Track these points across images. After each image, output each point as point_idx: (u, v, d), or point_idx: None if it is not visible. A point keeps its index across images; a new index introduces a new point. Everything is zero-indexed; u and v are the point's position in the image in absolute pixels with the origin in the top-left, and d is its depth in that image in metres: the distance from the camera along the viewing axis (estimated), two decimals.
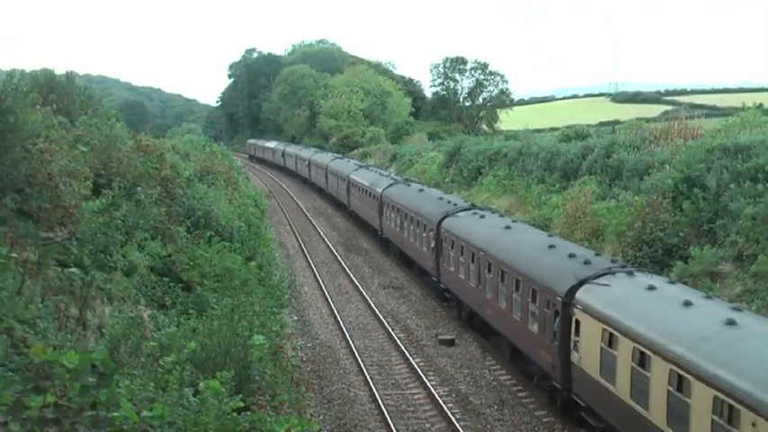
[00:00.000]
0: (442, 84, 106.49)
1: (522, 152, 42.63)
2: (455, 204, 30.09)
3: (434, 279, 29.21)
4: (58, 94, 23.75)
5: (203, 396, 7.35)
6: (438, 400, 19.87)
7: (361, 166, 51.78)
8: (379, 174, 45.65)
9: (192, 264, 18.01)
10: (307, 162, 73.63)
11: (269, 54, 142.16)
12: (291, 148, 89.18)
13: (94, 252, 14.12)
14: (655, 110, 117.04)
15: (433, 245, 28.72)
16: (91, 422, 4.06)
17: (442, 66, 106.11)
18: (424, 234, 30.16)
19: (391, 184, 39.43)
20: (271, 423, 7.15)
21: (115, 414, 4.20)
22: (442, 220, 28.16)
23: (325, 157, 66.37)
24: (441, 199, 32.03)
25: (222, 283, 18.49)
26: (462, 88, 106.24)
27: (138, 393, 7.07)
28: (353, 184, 47.94)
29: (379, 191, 39.44)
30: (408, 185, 38.40)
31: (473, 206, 30.13)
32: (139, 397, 6.93)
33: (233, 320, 13.15)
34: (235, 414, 7.46)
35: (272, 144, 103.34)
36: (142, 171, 20.48)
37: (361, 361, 23.19)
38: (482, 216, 26.92)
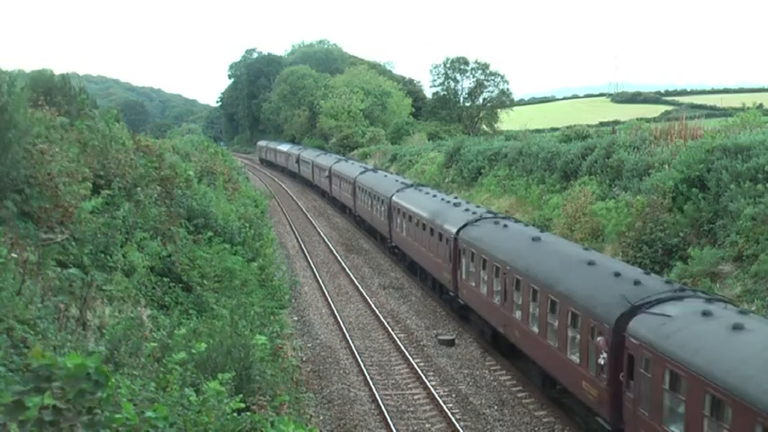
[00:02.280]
0: (443, 84, 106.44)
1: (522, 152, 42.64)
2: (637, 283, 15.82)
3: (603, 420, 15.83)
4: (56, 94, 23.75)
5: (204, 396, 7.35)
6: (438, 401, 19.88)
7: (407, 186, 38.39)
8: (443, 200, 31.51)
9: (191, 264, 18.00)
10: (327, 172, 59.79)
11: (269, 54, 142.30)
12: (308, 153, 75.26)
13: (94, 252, 14.12)
14: (655, 110, 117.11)
15: (603, 360, 15.41)
16: (87, 424, 4.06)
17: (442, 66, 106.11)
18: (579, 335, 16.75)
19: (472, 222, 26.01)
20: (276, 424, 7.15)
21: (117, 416, 4.21)
22: (626, 317, 14.81)
23: (351, 169, 52.04)
24: (592, 264, 17.99)
25: (222, 283, 18.48)
26: (463, 88, 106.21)
27: (139, 394, 7.07)
28: (400, 211, 35.40)
29: (453, 230, 26.45)
30: (505, 226, 24.36)
31: (681, 288, 15.95)
32: (140, 397, 6.93)
33: (234, 321, 13.15)
34: (235, 414, 7.46)
35: (284, 147, 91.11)
36: (142, 172, 20.48)
37: (362, 361, 23.21)
38: (706, 313, 13.46)
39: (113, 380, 4.43)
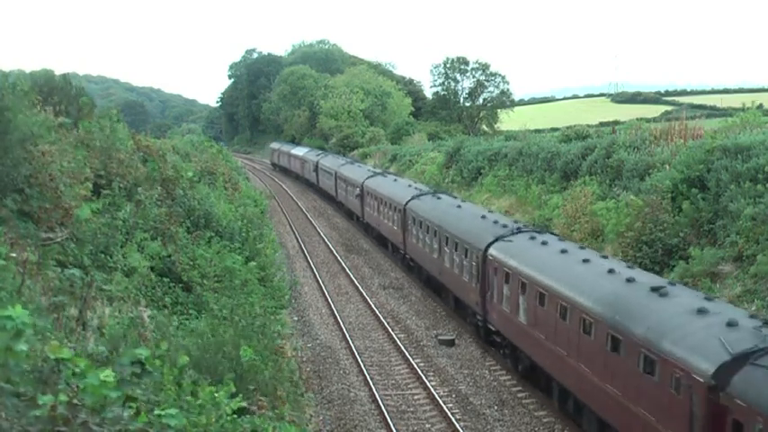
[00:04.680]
0: (443, 84, 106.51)
1: (522, 152, 42.65)
2: None
3: None
4: (57, 95, 23.75)
5: (203, 400, 7.34)
6: (438, 401, 19.88)
7: (512, 230, 23.34)
8: (615, 274, 17.00)
9: (192, 264, 18.00)
10: (358, 190, 45.23)
11: (269, 54, 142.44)
12: (329, 161, 61.39)
13: (94, 252, 14.13)
14: (655, 110, 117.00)
15: None
16: (99, 423, 4.08)
17: (442, 66, 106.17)
18: None
19: (755, 357, 11.61)
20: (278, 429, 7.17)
21: (134, 423, 4.24)
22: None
23: (396, 190, 37.81)
24: None
25: (222, 283, 18.49)
26: (463, 89, 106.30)
27: (141, 396, 7.05)
28: (509, 277, 21.03)
29: (705, 370, 12.12)
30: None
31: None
32: (144, 399, 6.92)
33: (233, 321, 13.14)
34: (234, 416, 7.45)
35: (299, 151, 78.88)
36: (143, 172, 20.50)
37: (362, 361, 23.21)
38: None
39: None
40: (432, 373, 22.34)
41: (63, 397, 4.07)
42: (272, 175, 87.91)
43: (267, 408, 10.42)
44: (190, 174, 26.43)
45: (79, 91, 26.39)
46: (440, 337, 25.61)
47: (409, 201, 34.00)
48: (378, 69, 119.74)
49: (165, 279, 16.62)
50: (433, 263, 29.71)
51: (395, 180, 42.10)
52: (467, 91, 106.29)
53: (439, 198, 32.91)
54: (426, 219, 30.64)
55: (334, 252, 40.99)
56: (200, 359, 11.05)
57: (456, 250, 26.21)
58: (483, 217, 26.38)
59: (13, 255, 10.51)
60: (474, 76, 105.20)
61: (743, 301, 19.53)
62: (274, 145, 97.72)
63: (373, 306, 29.77)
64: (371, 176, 44.55)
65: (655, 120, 53.72)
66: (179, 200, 22.71)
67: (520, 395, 20.60)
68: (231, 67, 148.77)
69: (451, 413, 19.08)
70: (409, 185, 38.37)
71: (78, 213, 14.55)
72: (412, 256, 33.43)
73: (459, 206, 30.12)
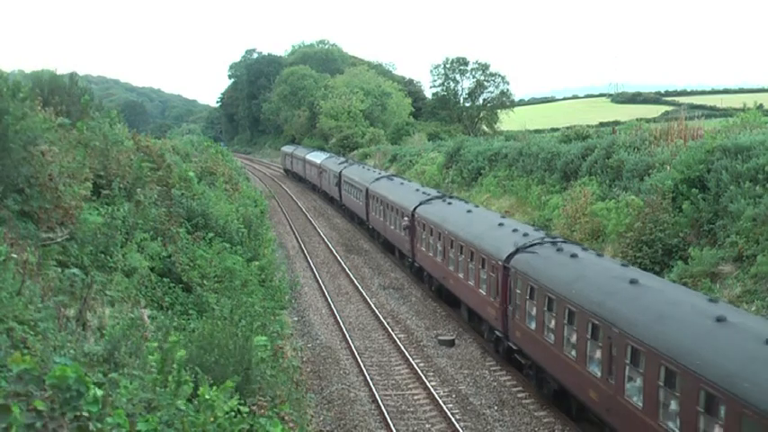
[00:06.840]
0: (443, 84, 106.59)
1: (522, 153, 42.66)
2: None
3: None
4: (59, 95, 23.72)
5: (200, 399, 7.34)
6: (438, 401, 19.89)
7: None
8: None
9: (192, 264, 18.00)
10: (407, 219, 32.41)
11: (269, 54, 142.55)
12: (355, 173, 48.28)
13: (94, 253, 14.13)
14: (655, 110, 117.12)
15: None
16: (75, 429, 4.08)
17: (442, 66, 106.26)
18: None
19: None
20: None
21: (108, 419, 4.22)
22: None
23: (484, 230, 24.35)
24: None
25: (222, 283, 18.48)
26: (463, 89, 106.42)
27: (137, 394, 7.06)
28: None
29: None
30: None
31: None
32: (139, 398, 6.93)
33: (233, 321, 13.14)
34: (233, 414, 7.46)
35: (317, 158, 65.23)
36: (141, 172, 20.49)
37: (362, 362, 23.22)
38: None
39: (106, 384, 4.42)
40: (432, 374, 22.34)
41: (40, 404, 4.07)
42: (271, 175, 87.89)
43: (267, 407, 10.42)
44: (191, 173, 26.38)
45: (82, 91, 26.35)
46: (440, 338, 25.61)
47: (514, 254, 20.85)
48: (378, 70, 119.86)
49: (165, 279, 16.62)
50: (568, 369, 17.13)
51: (469, 211, 27.77)
52: (467, 91, 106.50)
53: (574, 256, 18.79)
54: (563, 296, 17.19)
55: (335, 252, 41.00)
56: (202, 359, 11.03)
57: (637, 365, 13.87)
58: (721, 320, 12.73)
59: (14, 255, 10.51)
60: (474, 77, 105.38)
61: (743, 302, 19.53)
62: (287, 149, 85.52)
63: (373, 306, 29.78)
64: (427, 201, 31.83)
65: (655, 120, 53.68)
66: (177, 200, 22.70)
67: (520, 395, 20.60)
68: (231, 68, 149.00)
69: (451, 413, 19.09)
70: (501, 224, 24.37)
71: (87, 217, 14.56)
72: (522, 346, 20.34)
73: (635, 281, 15.93)
